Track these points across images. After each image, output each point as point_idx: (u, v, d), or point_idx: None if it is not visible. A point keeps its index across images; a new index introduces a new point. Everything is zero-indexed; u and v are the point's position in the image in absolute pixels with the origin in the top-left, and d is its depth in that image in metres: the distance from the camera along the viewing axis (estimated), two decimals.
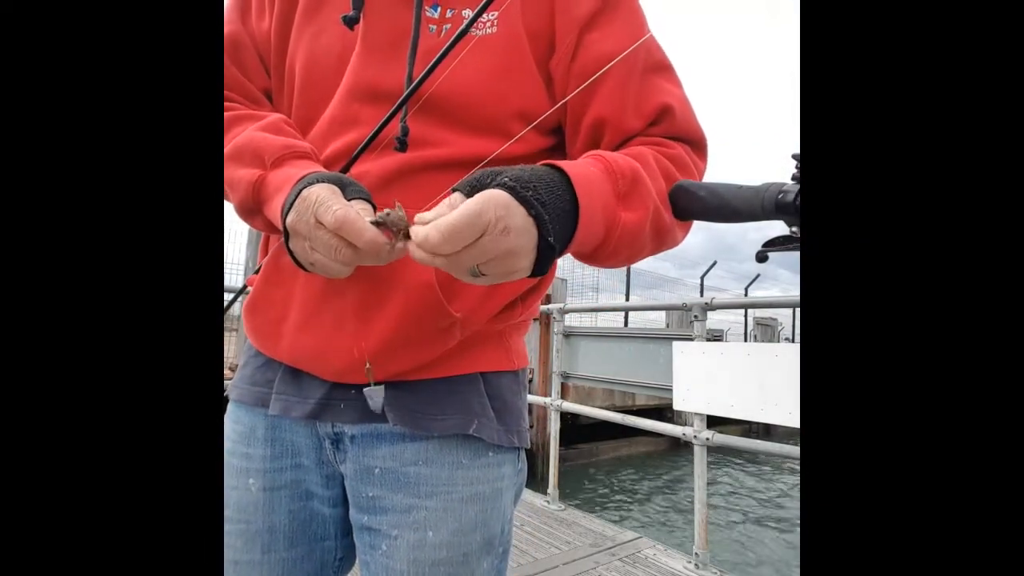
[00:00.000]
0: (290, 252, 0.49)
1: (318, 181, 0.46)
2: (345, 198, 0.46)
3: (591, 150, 0.57)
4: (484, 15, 0.55)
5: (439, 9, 0.56)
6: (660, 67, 0.58)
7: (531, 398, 4.54)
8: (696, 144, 0.59)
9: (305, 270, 0.50)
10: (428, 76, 0.49)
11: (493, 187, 0.41)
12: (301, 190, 0.46)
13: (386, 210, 0.43)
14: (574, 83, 0.56)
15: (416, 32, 0.54)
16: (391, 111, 0.51)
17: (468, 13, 0.55)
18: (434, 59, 0.49)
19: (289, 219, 0.46)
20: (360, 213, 0.43)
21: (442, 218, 0.38)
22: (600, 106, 0.56)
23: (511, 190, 0.40)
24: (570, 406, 3.38)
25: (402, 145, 0.53)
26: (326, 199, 0.44)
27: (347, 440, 0.60)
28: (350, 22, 0.55)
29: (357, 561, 0.64)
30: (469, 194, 0.41)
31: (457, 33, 0.49)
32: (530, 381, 6.59)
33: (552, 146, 0.61)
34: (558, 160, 0.46)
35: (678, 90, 0.59)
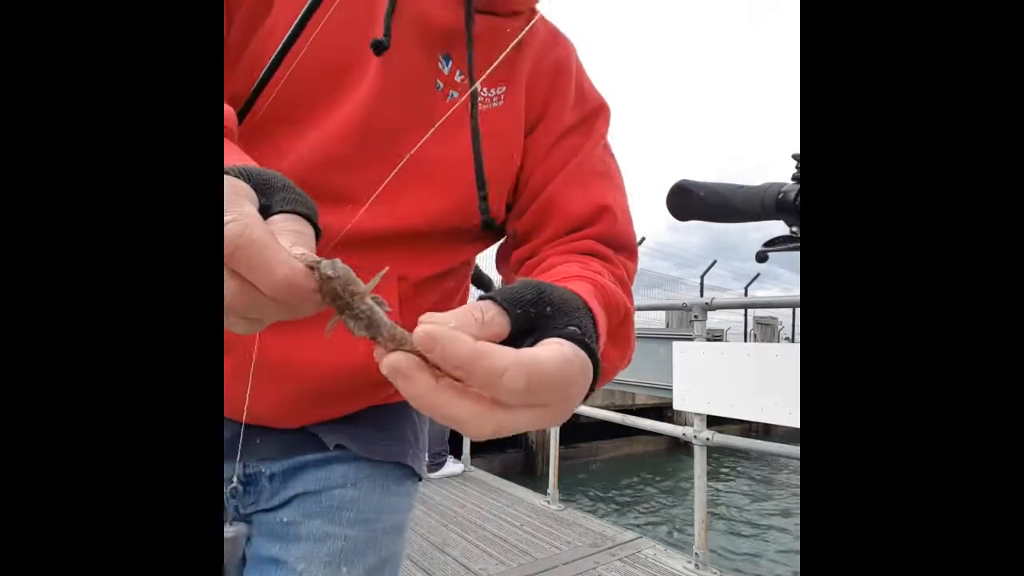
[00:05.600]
0: None
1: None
2: (264, 208, 0.30)
3: (534, 226, 0.57)
4: (491, 89, 0.54)
5: (450, 64, 0.53)
6: (609, 175, 0.61)
7: None
8: (631, 252, 0.61)
9: None
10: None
11: (565, 337, 0.30)
12: None
13: (330, 262, 0.26)
14: (540, 170, 0.57)
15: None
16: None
17: (477, 87, 0.54)
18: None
19: None
20: (275, 236, 0.27)
21: (530, 360, 0.25)
22: (555, 189, 0.57)
23: (585, 346, 0.30)
24: None
25: (487, 225, 0.52)
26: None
27: (264, 480, 0.53)
28: (379, 48, 0.48)
29: None
30: (512, 315, 0.30)
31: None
32: None
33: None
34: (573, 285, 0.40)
35: (622, 198, 0.61)
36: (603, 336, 0.37)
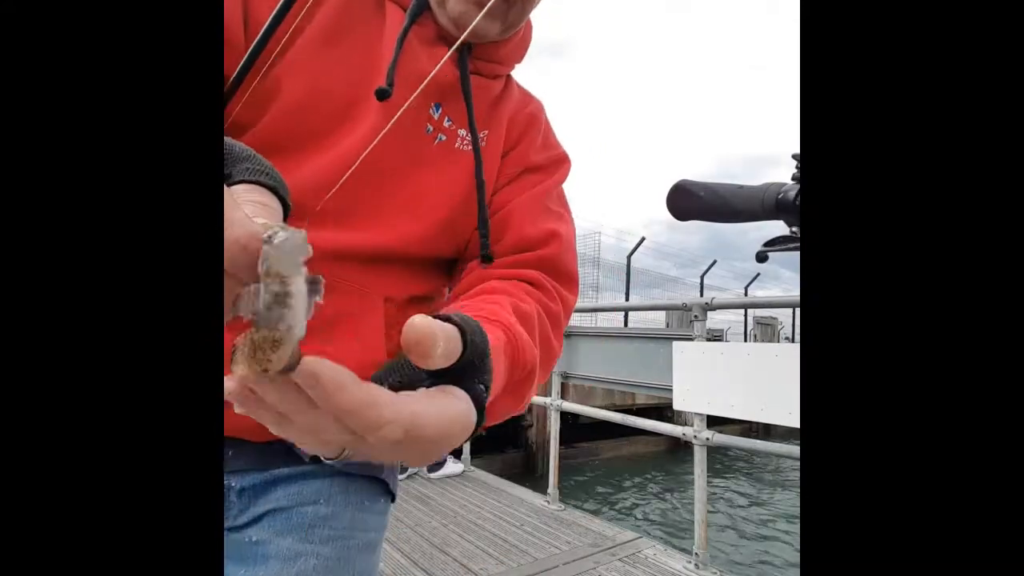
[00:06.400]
0: None
1: None
2: (225, 178, 0.29)
3: (497, 241, 0.62)
4: (478, 132, 0.62)
5: (440, 110, 0.59)
6: (561, 213, 0.67)
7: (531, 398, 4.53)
8: (573, 283, 0.64)
9: None
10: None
11: (471, 391, 0.32)
12: None
13: (291, 230, 0.22)
14: (505, 191, 0.64)
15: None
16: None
17: (463, 132, 0.60)
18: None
19: None
20: (235, 201, 0.25)
21: (410, 419, 0.26)
22: (514, 208, 0.63)
23: (480, 406, 0.32)
24: (570, 406, 3.38)
25: (486, 260, 0.57)
26: None
27: (233, 495, 0.52)
28: (383, 95, 0.53)
29: None
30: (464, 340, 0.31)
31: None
32: None
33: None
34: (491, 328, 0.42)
35: (569, 232, 0.66)
36: (495, 393, 0.38)
